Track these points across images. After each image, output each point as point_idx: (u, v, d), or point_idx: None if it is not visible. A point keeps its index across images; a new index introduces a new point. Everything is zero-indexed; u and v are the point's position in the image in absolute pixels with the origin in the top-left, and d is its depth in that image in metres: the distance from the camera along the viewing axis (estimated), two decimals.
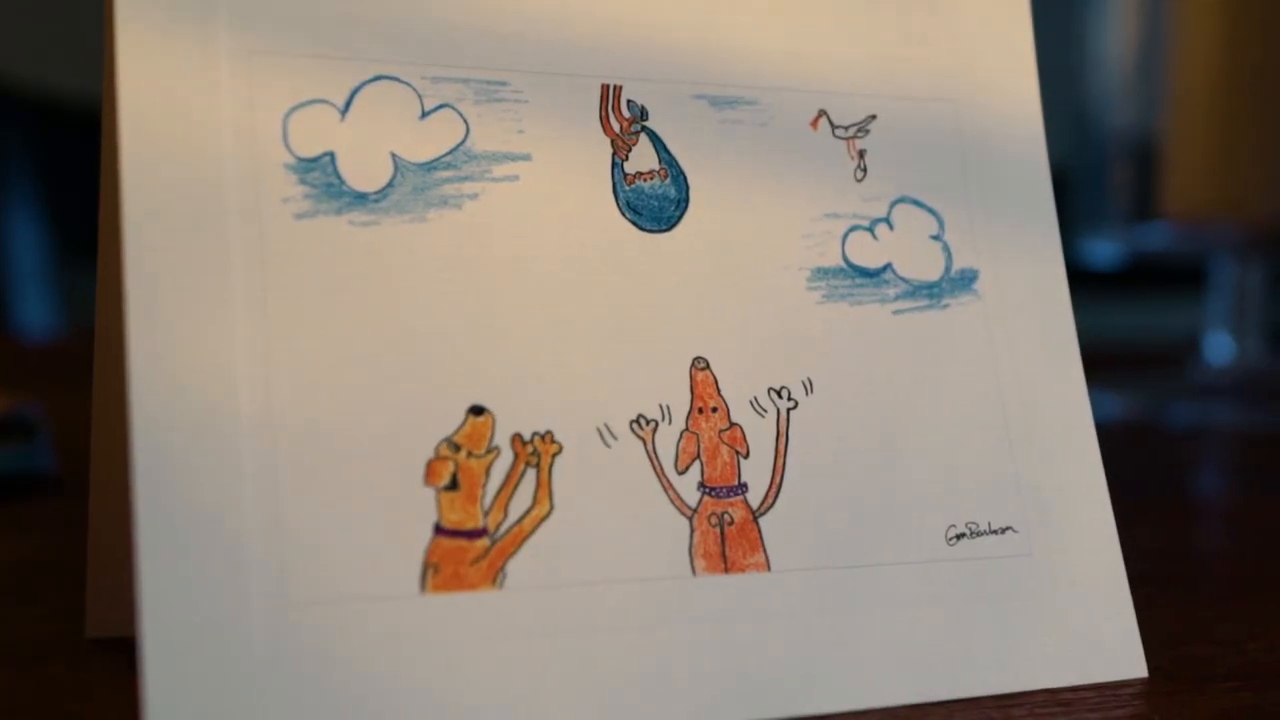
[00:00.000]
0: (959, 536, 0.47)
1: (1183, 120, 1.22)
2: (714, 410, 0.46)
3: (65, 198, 1.73)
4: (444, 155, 0.44)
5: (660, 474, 0.45)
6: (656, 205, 0.46)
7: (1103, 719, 0.45)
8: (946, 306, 0.49)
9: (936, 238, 0.50)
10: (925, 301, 0.49)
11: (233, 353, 0.41)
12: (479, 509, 0.42)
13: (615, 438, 0.44)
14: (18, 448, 0.76)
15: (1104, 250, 1.29)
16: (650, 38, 0.47)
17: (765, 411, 0.46)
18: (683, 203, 0.47)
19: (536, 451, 0.43)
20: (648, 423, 0.45)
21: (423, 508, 0.42)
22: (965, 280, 0.50)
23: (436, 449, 0.42)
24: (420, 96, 0.44)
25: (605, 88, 0.47)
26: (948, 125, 0.51)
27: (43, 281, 1.75)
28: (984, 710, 0.45)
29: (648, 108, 0.47)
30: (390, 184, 0.44)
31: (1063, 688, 0.47)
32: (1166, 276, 1.73)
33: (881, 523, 0.46)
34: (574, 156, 0.46)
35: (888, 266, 0.49)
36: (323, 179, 0.43)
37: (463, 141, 0.45)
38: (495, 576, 0.42)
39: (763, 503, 0.46)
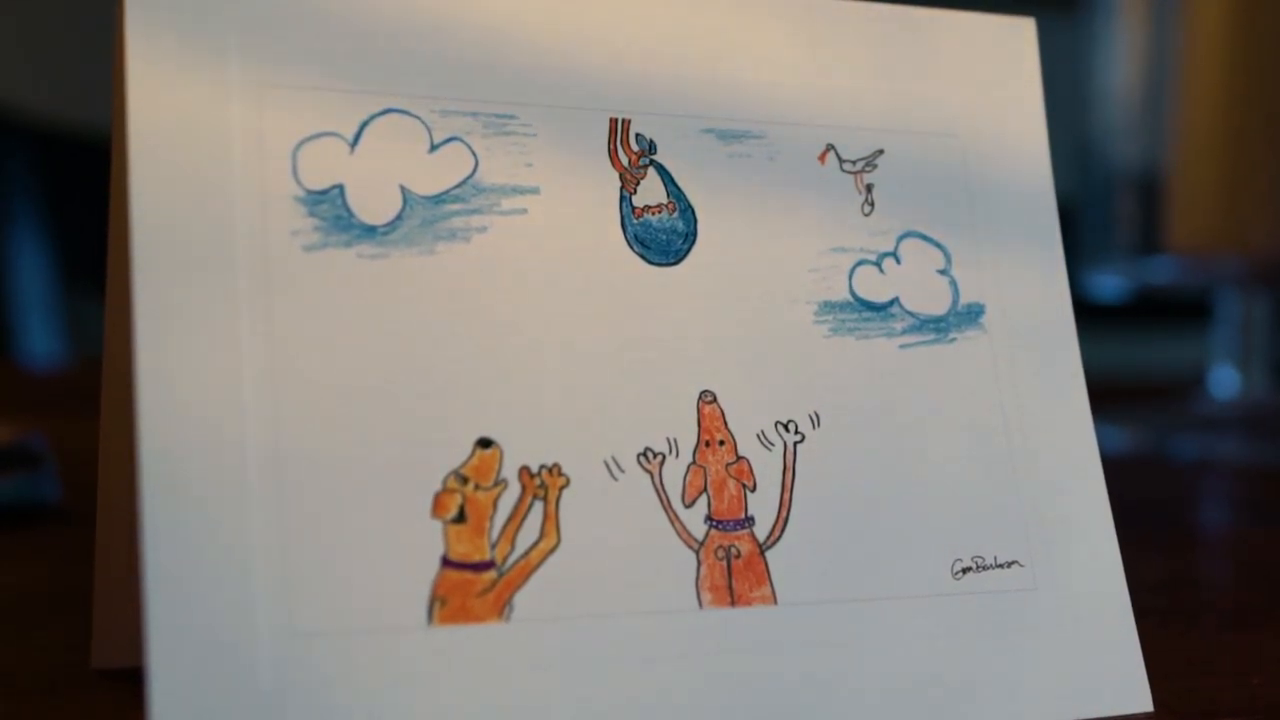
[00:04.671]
0: (965, 570, 0.47)
1: (1188, 154, 1.22)
2: (721, 443, 0.46)
3: (72, 226, 1.73)
4: (453, 188, 0.45)
5: (667, 507, 0.45)
6: (664, 239, 0.47)
7: None
8: (953, 340, 0.49)
9: (943, 272, 0.50)
10: (932, 335, 0.49)
11: (241, 384, 0.41)
12: (486, 541, 0.42)
13: (623, 470, 0.44)
14: (23, 477, 0.76)
15: (1110, 283, 1.29)
16: (659, 71, 0.48)
17: (772, 445, 0.46)
18: (690, 236, 0.47)
19: (544, 484, 0.43)
20: (655, 456, 0.45)
21: (430, 540, 0.42)
22: (972, 314, 0.50)
23: (444, 481, 0.42)
24: (429, 129, 0.45)
25: (614, 121, 0.47)
26: (955, 160, 0.51)
27: (49, 310, 1.75)
28: None
29: (656, 141, 0.47)
30: (399, 217, 0.44)
31: None
32: (1172, 310, 1.73)
33: (888, 556, 0.46)
34: (582, 190, 0.46)
35: (894, 300, 0.49)
36: (332, 211, 0.43)
37: (471, 174, 0.45)
38: (502, 609, 0.42)
39: (769, 536, 0.46)
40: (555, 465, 0.44)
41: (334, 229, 0.43)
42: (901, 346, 0.49)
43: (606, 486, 0.44)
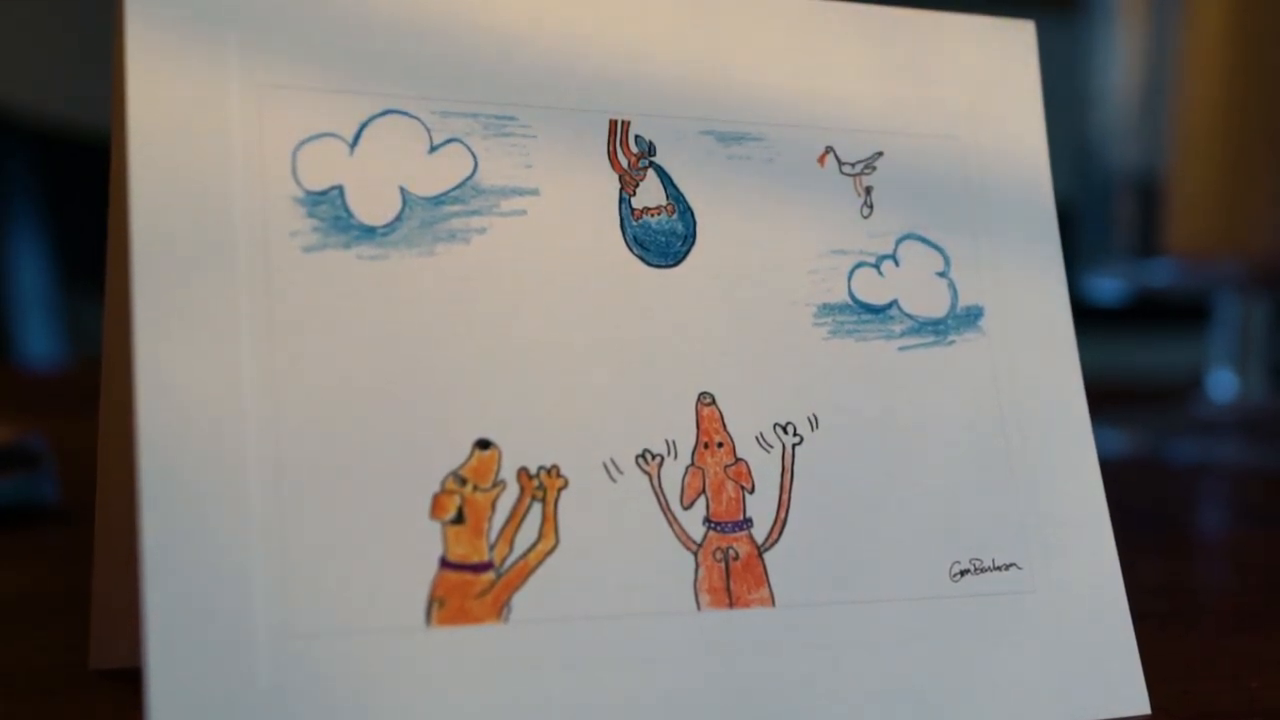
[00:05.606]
0: (963, 573, 0.47)
1: (1187, 156, 1.22)
2: (720, 445, 0.46)
3: (72, 226, 1.73)
4: (452, 189, 0.45)
5: (665, 509, 0.45)
6: (664, 240, 0.47)
7: None
8: (952, 343, 0.49)
9: (942, 274, 0.50)
10: (931, 338, 0.49)
11: (239, 384, 0.41)
12: (485, 543, 0.42)
13: (621, 472, 0.44)
14: (21, 477, 0.76)
15: (1108, 286, 1.29)
16: (658, 73, 0.48)
17: (771, 447, 0.46)
18: (690, 238, 0.47)
19: (542, 486, 0.43)
20: (653, 457, 0.45)
21: (428, 541, 0.42)
22: (970, 317, 0.50)
23: (443, 482, 0.42)
24: (429, 130, 0.45)
25: (613, 123, 0.47)
26: (954, 162, 0.51)
27: (47, 310, 1.75)
28: None
29: (655, 143, 0.47)
30: (398, 218, 0.44)
31: None
32: (1170, 312, 1.73)
33: (886, 558, 0.46)
34: (582, 191, 0.46)
35: (893, 303, 0.49)
36: (331, 212, 0.43)
37: (471, 176, 0.45)
38: (500, 610, 0.42)
39: (768, 538, 0.46)
40: (554, 466, 0.44)
41: (333, 230, 0.43)
42: (900, 349, 0.49)
43: (605, 488, 0.44)
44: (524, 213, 0.45)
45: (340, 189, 0.43)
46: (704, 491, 0.45)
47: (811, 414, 0.47)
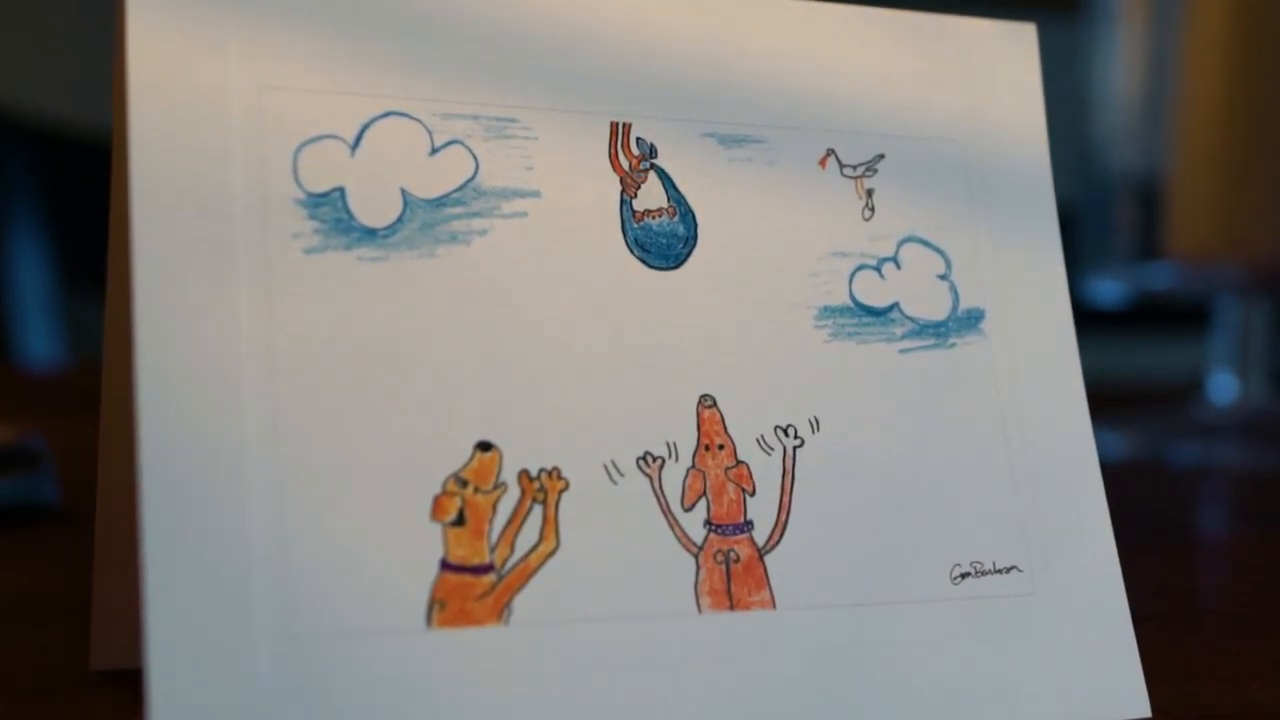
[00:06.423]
0: (964, 575, 0.47)
1: (1188, 160, 1.22)
2: (720, 448, 0.46)
3: (72, 226, 1.73)
4: (453, 191, 0.45)
5: (666, 511, 0.45)
6: (665, 243, 0.47)
7: None
8: (953, 346, 0.49)
9: (943, 277, 0.50)
10: (932, 341, 0.49)
11: (240, 386, 0.41)
12: (486, 545, 0.42)
13: (622, 474, 0.44)
14: (21, 478, 0.76)
15: (1109, 289, 1.29)
16: (660, 76, 0.48)
17: (772, 449, 0.46)
18: (691, 240, 0.47)
19: (543, 488, 0.43)
20: (654, 460, 0.45)
21: (429, 543, 0.42)
22: (972, 320, 0.50)
23: (444, 484, 0.42)
24: (430, 132, 0.45)
25: (615, 125, 0.47)
26: (956, 165, 0.51)
27: (48, 311, 1.75)
28: None
29: (657, 145, 0.47)
30: (400, 220, 0.44)
31: None
32: (1171, 316, 1.73)
33: (887, 561, 0.46)
34: (583, 193, 0.46)
35: (894, 306, 0.49)
36: (332, 214, 0.43)
37: (472, 178, 0.45)
38: (501, 612, 0.42)
39: (768, 540, 0.46)
40: (555, 469, 0.44)
41: (334, 232, 0.43)
42: (901, 351, 0.49)
43: (606, 490, 0.44)
44: (525, 215, 0.45)
45: (341, 191, 0.43)
46: (705, 494, 0.45)
47: (812, 416, 0.47)
